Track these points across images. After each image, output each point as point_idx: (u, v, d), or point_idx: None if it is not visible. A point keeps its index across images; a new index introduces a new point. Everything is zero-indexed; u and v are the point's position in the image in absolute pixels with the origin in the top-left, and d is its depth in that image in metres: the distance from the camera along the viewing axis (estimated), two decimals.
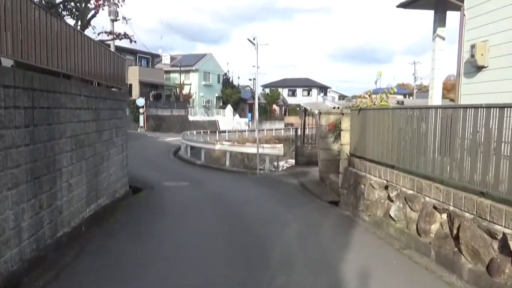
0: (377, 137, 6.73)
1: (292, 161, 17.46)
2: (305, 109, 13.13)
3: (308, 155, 13.54)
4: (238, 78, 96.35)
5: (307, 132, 13.93)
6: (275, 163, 14.29)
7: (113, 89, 8.77)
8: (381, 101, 7.20)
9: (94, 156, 6.84)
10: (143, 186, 10.28)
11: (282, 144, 13.23)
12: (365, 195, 6.95)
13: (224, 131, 34.30)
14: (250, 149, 14.23)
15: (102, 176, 7.32)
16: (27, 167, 4.35)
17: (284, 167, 13.65)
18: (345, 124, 8.09)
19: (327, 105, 11.50)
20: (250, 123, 48.63)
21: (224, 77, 53.81)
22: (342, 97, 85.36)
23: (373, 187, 6.74)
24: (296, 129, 13.84)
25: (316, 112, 10.34)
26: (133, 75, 38.70)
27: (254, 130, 39.21)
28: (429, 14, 8.63)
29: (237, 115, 48.98)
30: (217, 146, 15.71)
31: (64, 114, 5.50)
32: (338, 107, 10.43)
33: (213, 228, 6.20)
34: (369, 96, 7.36)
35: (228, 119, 46.03)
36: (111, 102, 8.09)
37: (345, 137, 8.11)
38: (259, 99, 51.66)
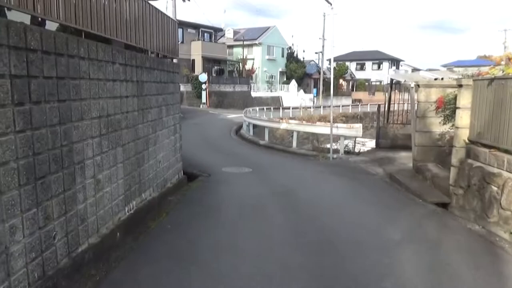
0: None
1: (368, 143, 15.24)
2: (392, 81, 10.80)
3: (392, 137, 11.29)
4: (304, 51, 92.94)
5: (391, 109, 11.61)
6: (350, 146, 12.23)
7: (163, 58, 7.35)
8: None
9: (135, 140, 5.48)
10: (199, 172, 8.93)
11: (360, 124, 11.12)
12: (503, 202, 4.82)
13: (288, 108, 32.43)
14: (321, 129, 12.30)
15: (147, 165, 5.97)
16: (19, 164, 2.98)
17: (361, 151, 11.57)
18: (465, 100, 5.87)
19: (424, 76, 9.13)
20: (315, 99, 46.11)
21: (289, 51, 51.33)
22: (416, 70, 78.60)
23: None
24: (379, 106, 11.59)
25: (412, 84, 8.10)
26: (196, 50, 38.04)
27: (320, 107, 36.97)
28: None
29: (301, 91, 46.62)
30: (283, 125, 13.97)
31: (88, 87, 4.08)
32: (442, 78, 8.08)
33: (288, 260, 4.04)
34: (511, 59, 5.07)
35: (292, 95, 43.93)
36: (160, 74, 6.66)
37: (463, 118, 5.91)
38: (324, 73, 48.81)
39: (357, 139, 13.10)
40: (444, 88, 7.82)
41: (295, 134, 13.21)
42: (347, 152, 11.59)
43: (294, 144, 13.16)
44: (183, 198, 6.60)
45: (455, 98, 6.32)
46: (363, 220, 5.42)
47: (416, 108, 8.09)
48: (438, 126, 7.95)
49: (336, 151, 11.41)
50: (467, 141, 5.91)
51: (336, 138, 11.73)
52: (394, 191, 7.17)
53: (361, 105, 42.89)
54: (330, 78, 42.87)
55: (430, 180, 7.17)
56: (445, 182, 6.64)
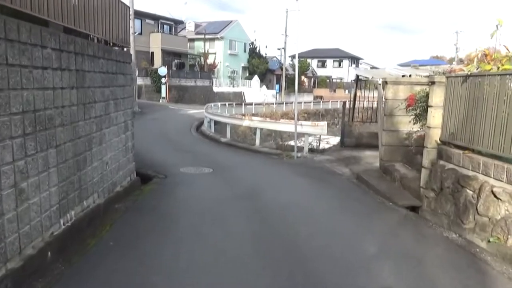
0: (510, 118, 4.23)
1: (332, 141, 15.03)
2: (358, 77, 10.51)
3: (357, 136, 11.05)
4: (266, 47, 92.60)
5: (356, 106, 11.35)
6: (314, 144, 11.88)
7: (112, 47, 6.52)
8: (504, 63, 4.63)
9: (74, 140, 4.68)
10: (154, 172, 8.18)
11: (325, 122, 10.78)
12: (479, 207, 4.53)
13: (251, 104, 31.89)
14: (285, 127, 11.87)
15: (90, 167, 5.18)
16: None
17: (326, 149, 11.26)
18: (437, 98, 5.57)
19: (391, 72, 8.89)
20: (278, 95, 45.97)
21: (251, 46, 50.81)
22: (374, 69, 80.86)
23: (497, 198, 4.31)
24: (344, 103, 11.30)
25: (379, 81, 7.80)
26: (155, 43, 36.60)
27: (282, 103, 36.77)
28: None
29: (264, 87, 46.27)
30: (245, 122, 13.42)
31: (5, 75, 3.29)
32: (410, 75, 7.84)
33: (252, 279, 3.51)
34: (487, 56, 4.78)
35: (254, 90, 43.48)
36: (107, 64, 5.85)
37: (436, 117, 5.61)
38: (286, 70, 48.76)
39: (321, 137, 12.78)
40: (413, 86, 7.57)
41: (258, 132, 12.69)
42: (312, 151, 11.23)
43: (257, 142, 12.64)
44: (133, 204, 5.84)
45: (427, 96, 6.03)
46: (335, 229, 4.94)
47: (383, 106, 7.79)
48: (405, 125, 7.70)
49: (300, 149, 11.02)
50: (439, 141, 5.62)
51: (300, 136, 11.33)
52: (362, 193, 6.81)
53: (322, 102, 43.26)
54: (292, 74, 42.89)
55: (399, 181, 6.88)
56: (415, 183, 6.36)
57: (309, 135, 11.29)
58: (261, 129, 12.86)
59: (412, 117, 6.88)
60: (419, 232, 4.94)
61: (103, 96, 5.70)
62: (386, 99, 7.72)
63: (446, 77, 5.49)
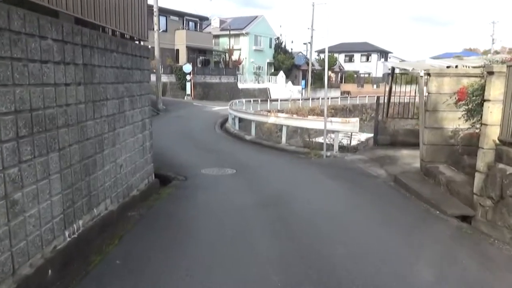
0: None
1: (362, 138, 14.17)
2: (394, 70, 9.66)
3: (392, 133, 10.22)
4: (292, 42, 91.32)
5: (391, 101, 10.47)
6: (345, 141, 11.11)
7: (127, 40, 6.06)
8: None
9: (82, 142, 4.22)
10: (174, 174, 7.71)
11: (357, 118, 10.01)
12: None
13: (276, 100, 31.29)
14: (313, 124, 11.16)
15: (101, 172, 4.73)
16: None
17: (357, 148, 10.48)
18: (496, 90, 4.76)
19: (432, 64, 8.03)
20: (304, 91, 45.08)
21: (277, 41, 49.98)
22: (403, 62, 78.08)
23: None
24: (378, 98, 10.46)
25: (421, 73, 6.98)
26: (180, 40, 36.50)
27: (309, 99, 35.88)
28: None
29: (289, 83, 45.32)
30: (271, 119, 12.80)
31: None
32: (456, 66, 6.99)
33: None
34: None
35: (280, 86, 42.71)
36: (121, 58, 5.38)
37: (494, 113, 4.81)
38: (313, 65, 47.67)
39: (352, 134, 11.97)
40: (459, 78, 6.73)
41: (284, 129, 12.05)
42: (342, 149, 10.48)
43: (283, 139, 12.01)
44: (148, 212, 5.35)
45: (482, 88, 5.22)
46: (379, 249, 4.13)
47: (425, 100, 6.98)
48: (451, 122, 6.88)
49: (329, 147, 10.30)
50: (497, 141, 4.82)
51: (330, 133, 10.61)
52: (403, 199, 6.07)
53: (350, 97, 42.08)
54: (318, 69, 41.83)
55: (445, 185, 6.09)
56: (465, 189, 5.57)
57: (339, 132, 10.54)
58: (287, 127, 12.21)
59: (463, 113, 6.05)
60: (481, 252, 4.16)
61: (117, 93, 5.24)
62: (428, 93, 6.91)
63: (507, 66, 4.68)
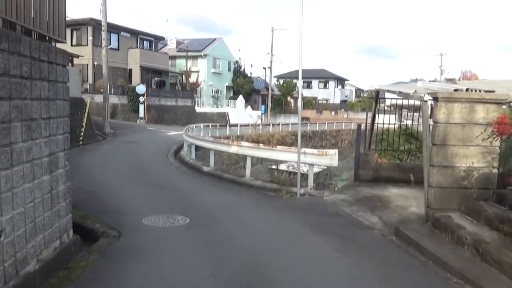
0: None
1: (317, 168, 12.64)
2: (378, 94, 8.28)
3: (375, 168, 8.77)
4: (251, 66, 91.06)
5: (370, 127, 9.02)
6: (322, 178, 9.52)
7: (26, 36, 4.11)
8: None
9: None
10: (106, 225, 5.64)
11: (336, 150, 8.48)
12: None
13: (236, 125, 29.69)
14: (284, 155, 9.50)
15: None
16: None
17: (337, 186, 8.91)
18: None
19: (429, 87, 6.70)
20: (264, 116, 43.99)
21: (235, 65, 49.00)
22: (359, 90, 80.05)
23: None
24: (359, 126, 9.02)
25: (425, 97, 5.57)
26: (134, 59, 34.30)
27: (269, 124, 34.62)
28: None
29: (249, 107, 44.26)
30: (233, 148, 11.02)
31: None
32: (466, 89, 5.65)
33: None
34: None
35: (239, 111, 41.36)
36: (12, 59, 3.43)
37: None
38: (272, 90, 46.94)
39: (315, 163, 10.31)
40: (473, 104, 5.39)
41: (248, 161, 10.29)
42: (318, 186, 8.87)
43: (248, 173, 10.22)
44: None
45: None
46: None
47: (434, 131, 5.54)
48: (463, 159, 5.47)
49: (304, 186, 8.64)
50: None
51: (304, 168, 8.98)
52: (420, 268, 4.41)
53: (309, 123, 41.57)
54: (278, 94, 41.03)
55: (472, 246, 4.55)
56: (507, 256, 4.05)
57: (314, 166, 8.94)
58: (252, 158, 10.47)
59: (487, 149, 4.61)
60: None
61: None
62: (436, 123, 5.48)
63: None
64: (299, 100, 8.89)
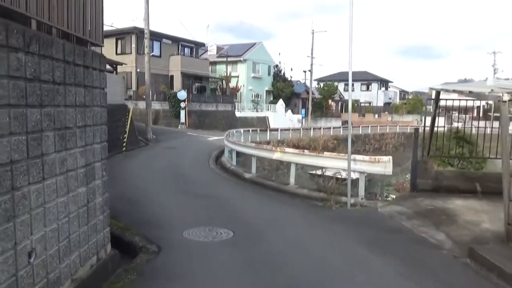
0: None
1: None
2: (439, 95, 7.44)
3: (435, 177, 7.91)
4: (291, 70, 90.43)
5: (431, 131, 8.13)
6: (376, 188, 8.80)
7: (59, 39, 3.83)
8: None
9: None
10: (145, 238, 5.31)
11: (390, 157, 7.74)
12: None
13: (276, 129, 29.17)
14: (332, 162, 8.86)
15: None
16: None
17: (390, 196, 8.17)
18: None
19: (500, 85, 5.84)
20: (304, 120, 43.16)
21: (275, 69, 48.56)
22: (403, 92, 76.94)
23: None
24: (416, 130, 8.22)
25: (504, 97, 4.77)
26: (175, 65, 34.82)
27: (310, 128, 33.82)
28: None
29: (289, 111, 43.66)
30: (276, 155, 10.51)
31: None
32: None
33: None
34: None
35: (279, 115, 40.86)
36: (43, 63, 3.14)
37: None
38: (313, 93, 46.00)
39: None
40: None
41: (293, 168, 9.74)
42: (370, 196, 8.15)
43: (292, 180, 9.67)
44: None
45: None
46: None
47: None
48: None
49: (355, 195, 7.96)
50: None
51: (355, 176, 8.29)
52: None
53: (352, 127, 40.12)
54: (318, 98, 40.10)
55: None
56: None
57: (365, 174, 8.22)
58: (296, 164, 9.90)
59: None
60: None
61: (22, 123, 2.94)
62: None
63: None
64: (349, 103, 8.26)
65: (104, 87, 4.51)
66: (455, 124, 11.36)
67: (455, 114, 13.47)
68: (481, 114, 24.95)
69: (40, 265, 3.19)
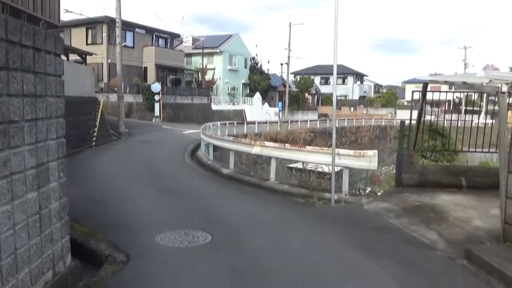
0: None
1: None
2: (426, 86, 7.15)
3: (420, 171, 7.66)
4: (268, 62, 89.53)
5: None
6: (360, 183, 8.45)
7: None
8: None
9: None
10: (112, 245, 4.74)
11: (375, 151, 7.41)
12: None
13: (253, 122, 28.70)
14: (314, 157, 8.46)
15: None
16: None
17: (375, 192, 7.86)
18: None
19: (492, 75, 5.57)
20: (281, 113, 42.93)
21: (252, 61, 47.95)
22: (377, 86, 77.89)
23: None
24: (403, 122, 7.92)
25: (503, 87, 4.46)
26: (149, 57, 33.71)
27: (287, 122, 33.55)
28: None
29: (266, 104, 43.24)
30: (255, 149, 10.04)
31: None
32: None
33: None
34: None
35: (256, 108, 40.39)
36: None
37: None
38: (289, 87, 45.74)
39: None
40: None
41: (273, 163, 9.30)
42: (354, 193, 7.82)
43: (272, 176, 9.25)
44: None
45: None
46: None
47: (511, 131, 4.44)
48: None
49: (338, 191, 7.60)
50: None
51: (339, 171, 7.94)
52: None
53: (328, 119, 40.39)
54: (295, 91, 39.85)
55: None
56: None
57: (349, 168, 7.87)
58: (276, 159, 9.47)
59: None
60: None
61: None
62: None
63: None
64: (334, 96, 7.85)
65: (60, 74, 3.89)
66: (428, 117, 11.27)
67: (428, 107, 13.40)
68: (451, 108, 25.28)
69: None
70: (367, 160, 7.47)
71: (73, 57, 19.63)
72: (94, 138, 15.56)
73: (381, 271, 4.10)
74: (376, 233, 5.37)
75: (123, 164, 11.98)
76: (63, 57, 17.33)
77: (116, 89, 22.83)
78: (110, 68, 29.90)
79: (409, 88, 61.91)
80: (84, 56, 19.37)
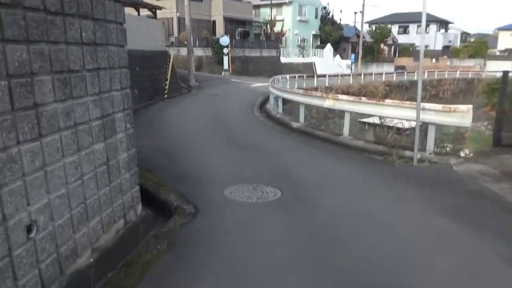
0: None
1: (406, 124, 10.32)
2: None
3: None
4: (341, 11, 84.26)
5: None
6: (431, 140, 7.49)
7: None
8: None
9: None
10: (181, 197, 4.68)
11: (470, 106, 6.41)
12: None
13: (324, 75, 27.48)
14: (395, 111, 7.64)
15: None
16: None
17: (463, 152, 6.92)
18: None
19: None
20: (353, 65, 40.56)
21: (323, 11, 45.27)
22: (465, 35, 69.71)
23: None
24: (506, 73, 6.73)
25: None
26: (217, 10, 33.26)
27: (360, 74, 31.62)
28: None
29: (337, 56, 41.11)
30: (328, 102, 9.40)
31: None
32: None
33: None
34: None
35: (327, 60, 38.57)
36: None
37: None
38: (364, 37, 42.67)
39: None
40: None
41: (347, 117, 8.64)
42: (439, 152, 6.96)
43: (346, 131, 8.63)
44: None
45: None
46: None
47: None
48: None
49: (422, 150, 6.81)
50: None
51: (424, 127, 7.08)
52: None
53: (406, 72, 37.34)
54: (369, 42, 37.06)
55: None
56: None
57: (435, 125, 6.96)
58: (351, 113, 8.76)
59: None
60: None
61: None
62: None
63: None
64: (421, 45, 6.73)
65: (121, 21, 3.64)
66: None
67: None
68: None
69: (45, 239, 2.58)
70: (459, 116, 6.52)
71: (143, 12, 19.86)
72: (166, 91, 15.94)
73: (482, 245, 3.49)
74: (470, 199, 4.66)
75: (193, 117, 12.10)
76: (135, 12, 17.39)
77: (185, 43, 22.96)
78: (179, 22, 30.11)
79: (503, 35, 54.51)
80: (154, 10, 19.50)
